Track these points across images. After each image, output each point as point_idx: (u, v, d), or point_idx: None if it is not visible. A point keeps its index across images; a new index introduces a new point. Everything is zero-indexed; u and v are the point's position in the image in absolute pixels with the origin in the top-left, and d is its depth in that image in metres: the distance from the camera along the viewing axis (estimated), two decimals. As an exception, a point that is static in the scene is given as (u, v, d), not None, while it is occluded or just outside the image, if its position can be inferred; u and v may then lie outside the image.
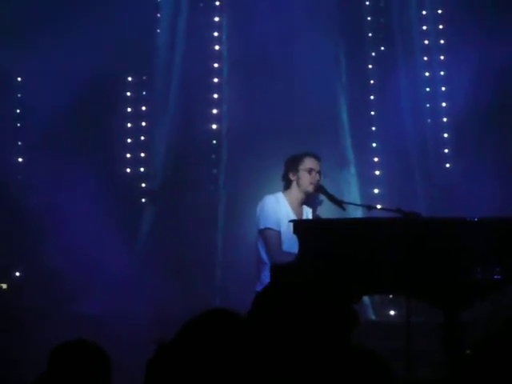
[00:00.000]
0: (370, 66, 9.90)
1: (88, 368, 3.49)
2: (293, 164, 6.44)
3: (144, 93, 9.85)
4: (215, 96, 9.63)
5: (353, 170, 9.44)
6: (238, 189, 9.13)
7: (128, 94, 9.84)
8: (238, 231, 8.65)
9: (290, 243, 5.93)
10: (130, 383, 5.27)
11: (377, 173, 9.61)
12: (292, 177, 6.43)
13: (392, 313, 8.90)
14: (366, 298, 8.68)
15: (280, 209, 6.33)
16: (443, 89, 9.90)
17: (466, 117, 9.41)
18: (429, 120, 9.88)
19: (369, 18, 9.98)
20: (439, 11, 10.02)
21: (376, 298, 8.84)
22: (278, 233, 6.25)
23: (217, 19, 9.72)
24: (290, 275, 5.42)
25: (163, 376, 2.30)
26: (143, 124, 9.83)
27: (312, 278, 5.27)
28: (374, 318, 8.93)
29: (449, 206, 9.02)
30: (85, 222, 8.50)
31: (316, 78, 9.11)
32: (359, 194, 9.29)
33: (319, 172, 6.42)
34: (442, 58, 9.96)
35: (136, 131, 9.82)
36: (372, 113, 9.79)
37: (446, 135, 9.84)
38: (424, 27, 10.04)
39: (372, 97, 9.83)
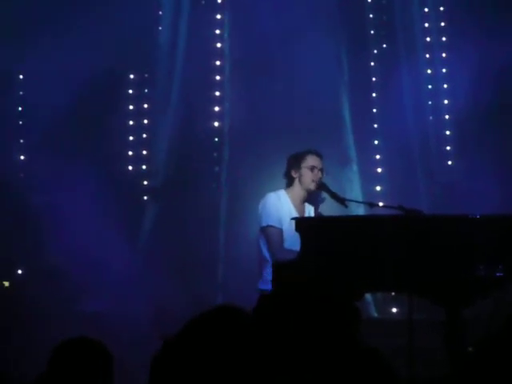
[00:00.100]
0: (372, 64, 9.89)
1: (90, 365, 3.49)
2: (295, 161, 6.45)
3: (146, 90, 9.84)
4: (217, 94, 9.63)
5: (355, 167, 9.44)
6: (240, 186, 9.13)
7: (130, 91, 9.83)
8: (240, 229, 8.65)
9: (292, 241, 5.94)
10: (131, 380, 5.28)
11: (379, 170, 9.60)
12: (294, 174, 6.43)
13: (394, 310, 8.90)
14: (368, 296, 8.69)
15: (282, 206, 6.33)
16: (445, 86, 9.89)
17: (467, 114, 9.41)
18: (431, 117, 9.87)
19: (371, 16, 9.96)
20: (441, 8, 10.01)
21: (378, 296, 8.85)
22: (280, 230, 6.25)
23: (218, 17, 9.71)
24: (291, 273, 5.42)
25: (168, 372, 2.30)
26: (145, 122, 9.83)
27: (314, 276, 5.29)
28: (376, 315, 8.93)
29: (451, 203, 9.02)
30: (87, 220, 8.50)
31: (318, 75, 9.10)
32: (361, 192, 9.29)
33: (321, 170, 6.43)
34: (443, 55, 9.95)
35: (138, 129, 9.81)
36: (374, 110, 9.79)
37: (447, 132, 9.84)
38: (426, 25, 10.02)
39: (374, 94, 9.83)
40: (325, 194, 6.44)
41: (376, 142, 9.70)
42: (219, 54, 9.67)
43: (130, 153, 9.74)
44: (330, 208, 6.62)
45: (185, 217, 9.13)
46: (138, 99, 9.85)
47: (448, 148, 9.81)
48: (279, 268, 5.59)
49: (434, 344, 5.84)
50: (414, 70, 9.74)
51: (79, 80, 8.63)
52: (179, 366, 2.28)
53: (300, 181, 6.42)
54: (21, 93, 9.42)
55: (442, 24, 10.00)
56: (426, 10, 10.03)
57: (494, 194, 8.45)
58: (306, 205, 6.51)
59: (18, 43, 8.81)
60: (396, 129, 9.39)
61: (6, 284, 8.89)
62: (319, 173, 6.40)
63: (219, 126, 9.57)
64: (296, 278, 5.34)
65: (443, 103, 9.87)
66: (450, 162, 9.76)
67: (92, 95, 8.97)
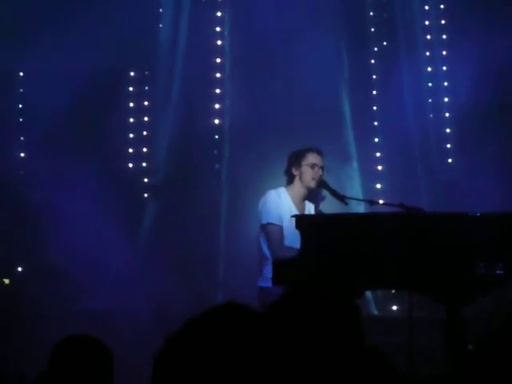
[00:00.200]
0: (373, 61, 9.89)
1: (90, 363, 3.49)
2: (296, 159, 6.45)
3: (146, 88, 9.85)
4: (217, 91, 9.63)
5: (355, 164, 9.44)
6: (241, 184, 9.13)
7: (130, 88, 9.84)
8: (241, 226, 8.65)
9: (292, 238, 5.94)
10: (132, 378, 5.29)
11: (379, 168, 9.60)
12: (295, 172, 6.43)
13: (394, 308, 8.90)
14: (368, 293, 8.69)
15: (282, 204, 6.33)
16: (445, 84, 9.88)
17: (468, 112, 9.40)
18: (431, 115, 9.87)
19: (371, 13, 9.96)
20: (441, 6, 10.00)
21: (378, 293, 8.85)
22: (280, 228, 6.25)
23: (219, 14, 9.71)
24: (292, 270, 5.42)
25: (171, 369, 2.30)
26: (145, 119, 9.83)
27: (314, 273, 5.29)
28: (376, 313, 8.93)
29: (451, 200, 9.02)
30: (87, 218, 8.50)
31: (318, 73, 9.10)
32: (361, 189, 9.29)
33: (322, 167, 6.43)
34: (444, 53, 9.94)
35: (138, 126, 9.81)
36: (374, 108, 9.79)
37: (448, 130, 9.83)
38: (426, 22, 10.01)
39: (374, 92, 9.83)
40: (325, 192, 6.45)
41: (376, 140, 9.71)
42: (219, 51, 9.67)
43: (131, 150, 9.74)
44: (330, 205, 6.62)
45: (185, 214, 9.13)
46: (138, 97, 9.85)
47: (448, 146, 9.81)
48: (279, 265, 5.59)
49: (434, 342, 5.85)
50: (414, 68, 9.74)
51: (79, 78, 8.63)
52: (184, 364, 2.28)
53: (300, 178, 6.42)
54: (21, 90, 9.43)
55: (443, 22, 10.00)
56: (427, 7, 10.03)
57: (494, 192, 8.45)
58: (307, 202, 6.51)
59: (18, 43, 8.81)
60: (396, 126, 9.39)
61: (6, 281, 8.89)
62: (320, 170, 6.41)
63: (219, 123, 9.58)
64: (296, 275, 5.35)
65: (443, 101, 9.87)
66: (450, 160, 9.76)
67: (92, 93, 8.97)
